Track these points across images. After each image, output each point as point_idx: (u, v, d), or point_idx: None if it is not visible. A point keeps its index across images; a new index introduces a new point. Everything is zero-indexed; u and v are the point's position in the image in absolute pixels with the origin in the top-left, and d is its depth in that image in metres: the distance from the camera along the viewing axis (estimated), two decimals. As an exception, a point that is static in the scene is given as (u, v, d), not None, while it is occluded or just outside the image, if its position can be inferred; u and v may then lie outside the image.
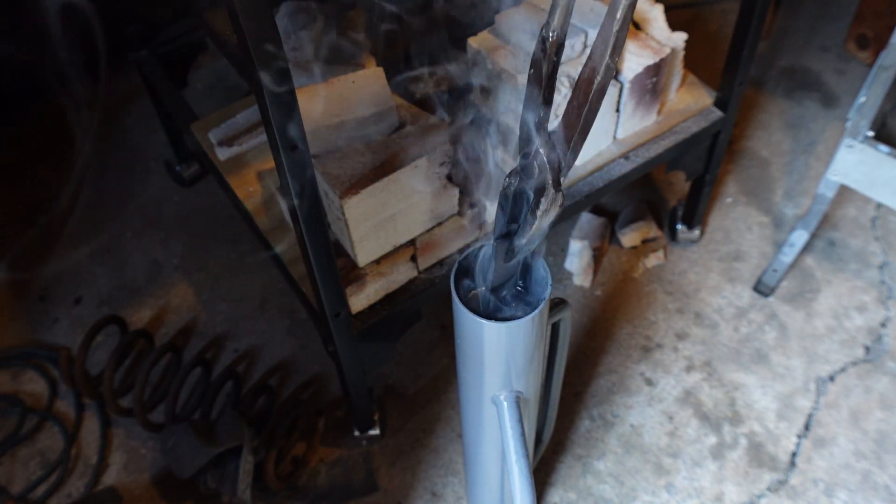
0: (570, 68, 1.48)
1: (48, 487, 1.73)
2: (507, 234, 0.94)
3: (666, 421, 1.80)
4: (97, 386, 1.79)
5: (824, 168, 1.98)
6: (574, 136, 0.85)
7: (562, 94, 1.45)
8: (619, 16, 0.77)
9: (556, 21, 0.83)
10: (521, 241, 0.92)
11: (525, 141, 0.89)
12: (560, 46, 0.85)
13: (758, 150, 2.31)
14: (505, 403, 1.11)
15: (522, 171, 0.90)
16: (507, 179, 0.92)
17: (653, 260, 2.06)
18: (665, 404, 1.82)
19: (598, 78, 0.80)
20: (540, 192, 0.88)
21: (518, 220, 0.92)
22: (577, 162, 1.63)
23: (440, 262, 1.52)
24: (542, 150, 0.87)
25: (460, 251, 1.52)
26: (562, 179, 0.88)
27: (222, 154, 1.69)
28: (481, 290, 1.04)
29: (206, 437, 1.60)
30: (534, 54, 0.86)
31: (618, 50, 0.79)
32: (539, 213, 0.88)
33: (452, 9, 1.51)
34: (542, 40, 0.85)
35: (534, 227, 0.89)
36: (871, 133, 1.80)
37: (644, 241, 2.10)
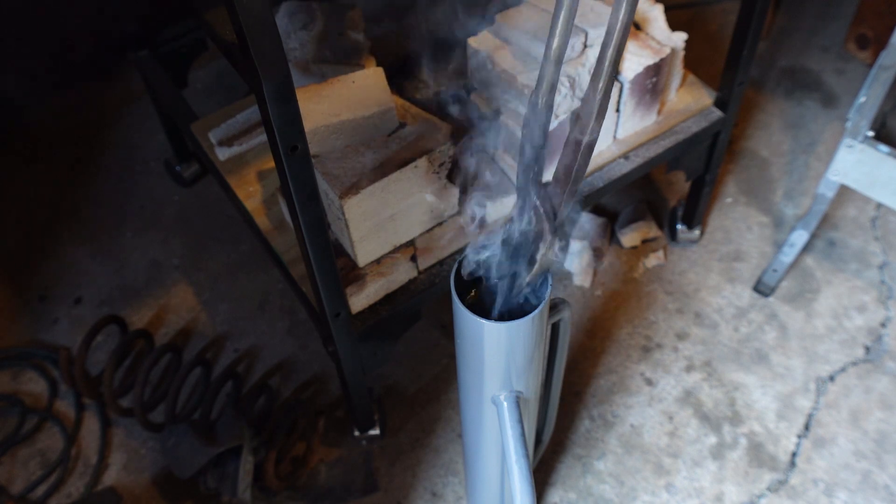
0: (569, 68, 1.48)
1: (48, 487, 1.73)
2: (510, 274, 1.03)
3: (666, 421, 1.80)
4: (97, 386, 1.79)
5: (824, 168, 1.98)
6: (566, 188, 0.96)
7: (562, 95, 1.45)
8: (601, 86, 0.90)
9: (545, 87, 0.96)
10: (525, 281, 1.02)
11: (522, 192, 1.00)
12: (549, 108, 0.98)
13: (758, 150, 2.31)
14: (505, 403, 1.11)
15: (521, 219, 1.00)
16: (508, 224, 1.02)
17: (653, 260, 2.06)
18: (665, 404, 1.82)
19: (586, 139, 0.93)
20: (538, 239, 0.99)
21: (520, 261, 1.02)
22: (577, 162, 1.63)
23: (440, 262, 1.52)
24: (538, 202, 0.98)
25: (460, 251, 1.52)
26: (556, 225, 1.00)
27: (222, 154, 1.69)
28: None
29: (206, 437, 1.60)
30: (525, 115, 0.98)
31: (601, 115, 0.92)
32: (539, 256, 0.99)
33: (453, 9, 1.51)
34: (533, 105, 0.97)
35: (535, 269, 1.00)
36: (871, 133, 1.80)
37: (644, 241, 2.10)
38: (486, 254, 1.04)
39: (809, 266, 2.04)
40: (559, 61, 0.95)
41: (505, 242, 1.02)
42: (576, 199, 1.02)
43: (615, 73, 0.91)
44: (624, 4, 0.86)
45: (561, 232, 1.00)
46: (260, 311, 2.00)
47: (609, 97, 0.92)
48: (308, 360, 1.91)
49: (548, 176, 1.02)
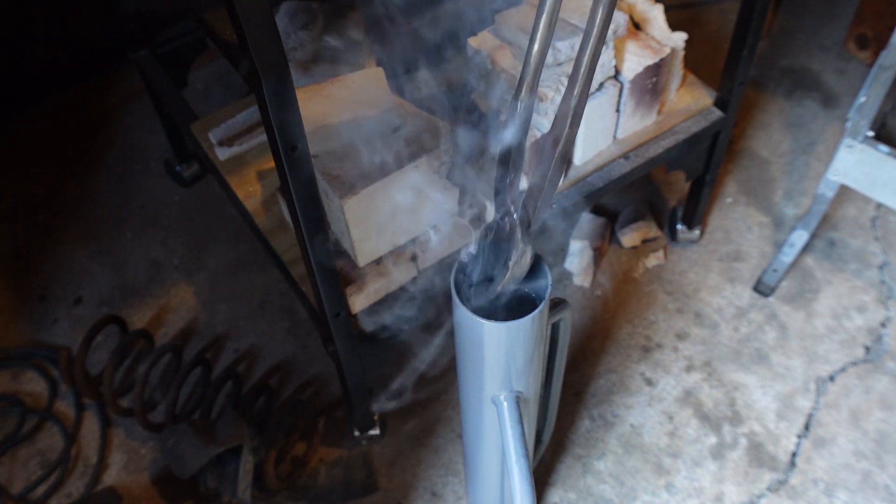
0: (569, 68, 1.47)
1: (48, 487, 1.73)
2: (485, 280, 1.03)
3: (666, 421, 1.80)
4: (97, 386, 1.79)
5: (824, 168, 1.98)
6: (540, 196, 0.96)
7: (560, 94, 1.45)
8: (576, 92, 0.89)
9: (524, 93, 0.95)
10: (497, 288, 1.01)
11: (498, 199, 0.99)
12: (529, 113, 0.97)
13: (758, 150, 2.31)
14: (505, 403, 1.11)
15: (497, 225, 1.00)
16: (484, 232, 1.01)
17: (653, 260, 2.06)
18: (665, 404, 1.82)
19: (560, 147, 0.92)
20: (511, 246, 0.98)
21: (494, 268, 1.02)
22: (577, 162, 1.63)
23: (440, 262, 1.52)
24: (512, 208, 0.97)
25: (460, 251, 1.52)
26: (530, 233, 0.99)
27: (222, 154, 1.69)
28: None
29: (206, 437, 1.60)
30: (505, 121, 0.97)
31: (576, 121, 0.91)
32: (511, 264, 0.99)
33: (453, 9, 1.51)
34: (512, 111, 0.96)
35: (507, 276, 1.00)
36: (871, 133, 1.80)
37: (644, 241, 2.10)
38: (471, 256, 1.04)
39: (809, 266, 2.04)
40: (539, 68, 0.94)
41: (482, 248, 1.02)
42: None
43: (590, 80, 0.90)
44: (599, 12, 0.85)
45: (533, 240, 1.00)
46: (260, 311, 2.00)
47: (584, 104, 0.91)
48: (308, 360, 1.91)
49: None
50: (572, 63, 1.49)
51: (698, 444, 1.76)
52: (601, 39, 0.87)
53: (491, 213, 1.53)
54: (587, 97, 0.91)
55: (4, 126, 2.44)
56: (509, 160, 0.98)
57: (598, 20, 0.85)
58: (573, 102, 0.90)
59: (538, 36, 0.92)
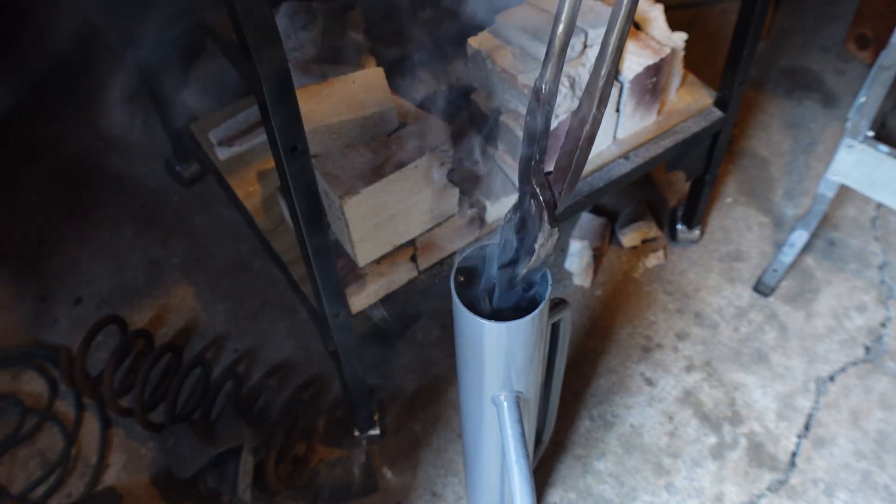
0: (570, 68, 1.48)
1: (48, 487, 1.73)
2: (509, 264, 1.02)
3: (666, 421, 1.80)
4: (97, 386, 1.79)
5: (824, 168, 1.98)
6: (567, 177, 0.94)
7: (562, 94, 1.45)
8: (603, 72, 0.88)
9: (549, 74, 0.93)
10: (522, 271, 1.00)
11: (524, 180, 0.98)
12: (553, 96, 0.94)
13: (758, 150, 2.31)
14: (505, 403, 1.11)
15: (522, 207, 0.98)
16: (509, 214, 1.00)
17: (653, 260, 2.06)
18: (665, 404, 1.82)
19: (587, 127, 0.91)
20: (537, 228, 0.96)
21: (519, 251, 1.00)
22: (577, 162, 1.63)
23: (440, 262, 1.52)
24: (538, 190, 0.95)
25: (460, 251, 1.52)
26: (556, 216, 0.97)
27: (222, 154, 1.69)
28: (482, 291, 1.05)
29: (206, 437, 1.60)
30: (529, 103, 0.96)
31: (604, 101, 0.90)
32: (537, 246, 0.97)
33: (453, 9, 1.51)
34: (536, 91, 0.94)
35: (533, 258, 0.98)
36: (871, 133, 1.80)
37: (644, 241, 2.10)
38: (486, 246, 1.02)
39: (809, 266, 2.04)
40: (564, 46, 0.92)
41: (507, 231, 1.01)
42: (575, 192, 0.98)
43: (618, 59, 0.88)
44: None
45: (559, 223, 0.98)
46: (260, 311, 2.00)
47: (611, 84, 0.90)
48: (308, 360, 1.91)
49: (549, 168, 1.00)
50: (572, 63, 1.49)
51: (698, 444, 1.76)
52: (630, 16, 0.84)
53: (490, 213, 1.53)
54: (615, 77, 0.90)
55: (4, 126, 2.43)
56: (535, 141, 0.97)
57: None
58: (601, 83, 0.89)
59: (563, 16, 0.90)
